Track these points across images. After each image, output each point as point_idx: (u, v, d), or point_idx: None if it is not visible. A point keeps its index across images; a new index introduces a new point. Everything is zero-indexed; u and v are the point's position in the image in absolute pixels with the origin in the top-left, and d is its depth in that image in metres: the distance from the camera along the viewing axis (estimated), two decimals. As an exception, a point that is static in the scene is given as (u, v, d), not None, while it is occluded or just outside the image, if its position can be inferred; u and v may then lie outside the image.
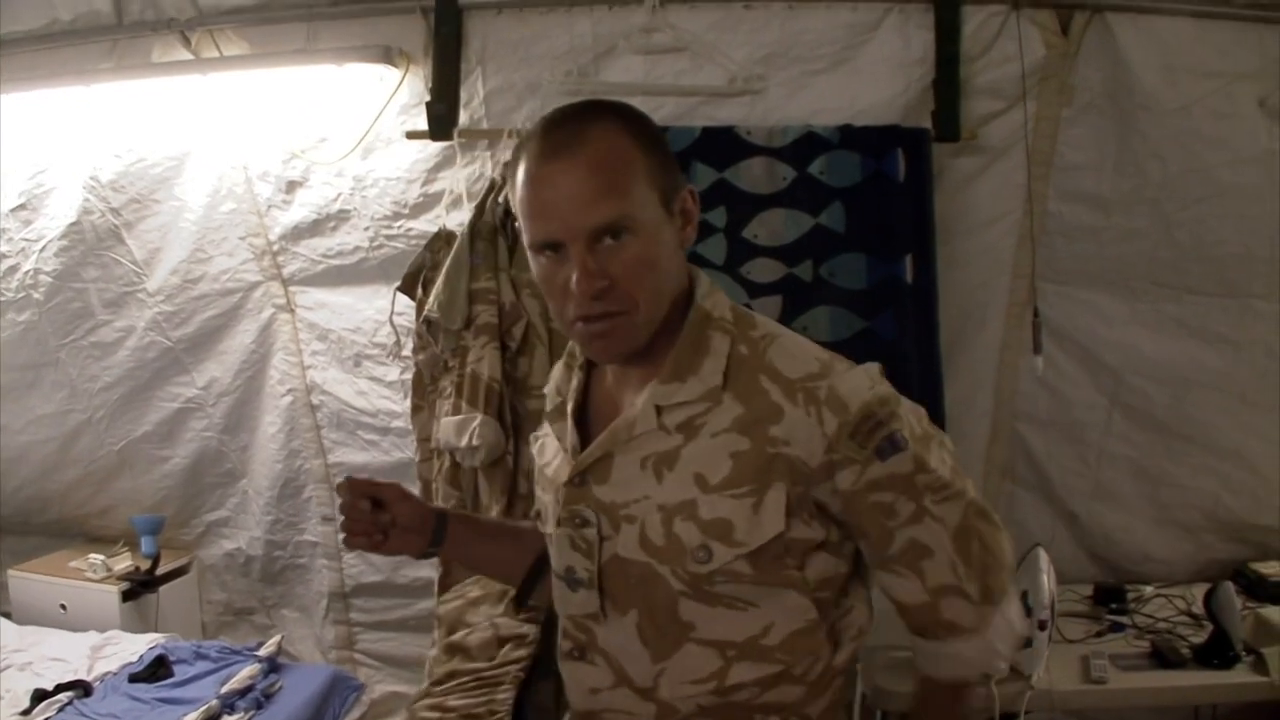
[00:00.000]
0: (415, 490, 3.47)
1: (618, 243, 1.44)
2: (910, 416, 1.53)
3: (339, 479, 3.64)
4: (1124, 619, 3.35)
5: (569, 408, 1.66)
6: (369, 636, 4.17)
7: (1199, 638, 3.17)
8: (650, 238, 1.47)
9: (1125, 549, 3.69)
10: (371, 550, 1.79)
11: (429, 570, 3.57)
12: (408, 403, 3.56)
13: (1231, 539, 3.64)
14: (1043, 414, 3.64)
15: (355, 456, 3.97)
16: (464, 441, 3.02)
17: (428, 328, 3.16)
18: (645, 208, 1.46)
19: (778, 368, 1.51)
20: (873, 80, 3.26)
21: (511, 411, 3.11)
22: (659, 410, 1.52)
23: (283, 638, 3.77)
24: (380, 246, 3.67)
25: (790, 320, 3.12)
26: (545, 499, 1.71)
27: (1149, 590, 3.52)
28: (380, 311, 3.61)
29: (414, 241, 3.53)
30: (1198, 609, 3.28)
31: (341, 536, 1.80)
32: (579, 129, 1.45)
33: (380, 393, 3.86)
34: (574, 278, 1.44)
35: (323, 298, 3.86)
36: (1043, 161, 3.33)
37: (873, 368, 1.54)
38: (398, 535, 1.77)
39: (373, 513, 1.75)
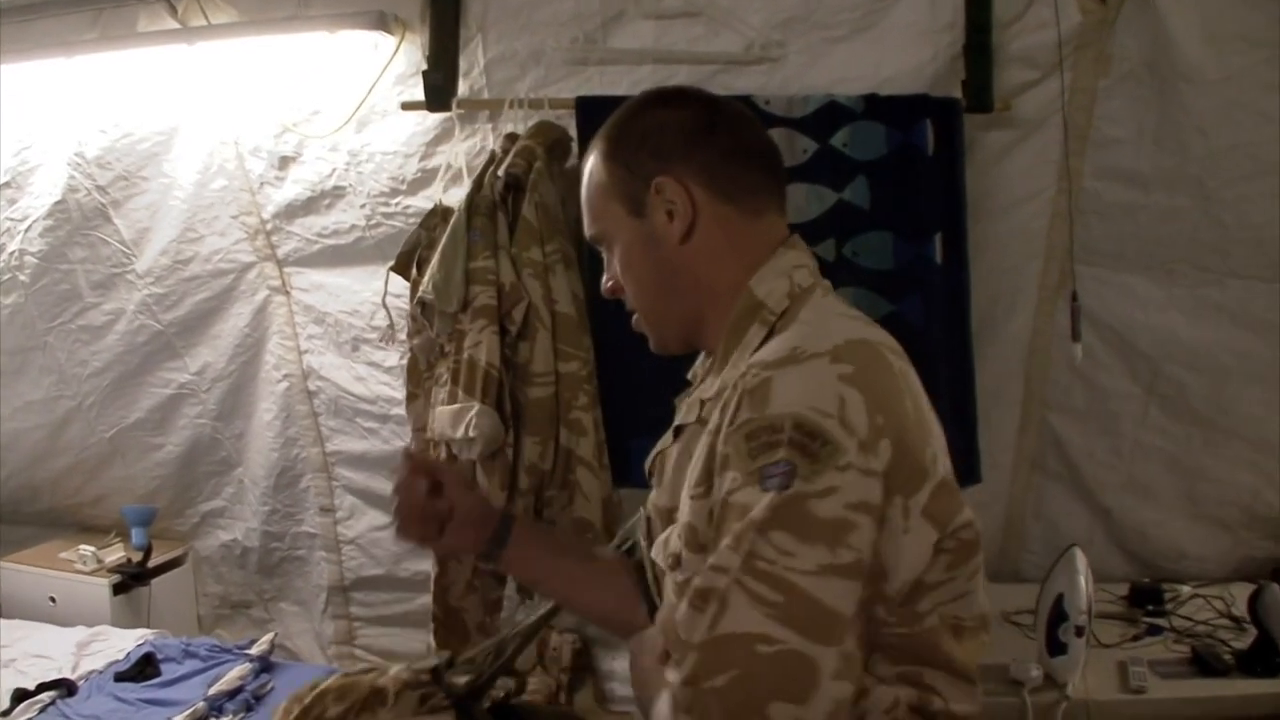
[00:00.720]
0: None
1: (610, 254, 1.50)
2: (850, 487, 1.18)
3: (337, 467, 3.52)
4: (1161, 621, 3.07)
5: (684, 399, 1.55)
6: (370, 632, 3.94)
7: (1241, 643, 2.89)
8: (624, 247, 1.48)
9: (1159, 545, 3.41)
10: (423, 545, 1.66)
11: (430, 564, 3.31)
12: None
13: (1270, 536, 3.35)
14: (1075, 404, 3.36)
15: (354, 445, 3.73)
16: (459, 432, 2.72)
17: (422, 310, 2.86)
18: (610, 221, 1.48)
19: (760, 351, 1.33)
20: (898, 47, 2.96)
21: (511, 400, 2.82)
22: (701, 404, 1.42)
23: (275, 636, 3.50)
24: (377, 225, 3.41)
25: (809, 305, 2.78)
26: None
27: (1186, 590, 3.24)
28: (378, 293, 3.33)
29: (412, 219, 3.28)
30: (1238, 610, 3.03)
31: (393, 523, 1.64)
32: (591, 146, 1.52)
33: (379, 378, 3.62)
34: None
35: (319, 279, 3.61)
36: (1078, 136, 3.03)
37: (880, 405, 1.21)
38: (454, 529, 1.63)
39: (429, 497, 1.61)
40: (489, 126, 3.19)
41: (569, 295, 2.85)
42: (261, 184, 3.49)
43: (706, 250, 1.42)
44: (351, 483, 3.77)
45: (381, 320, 3.37)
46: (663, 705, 1.23)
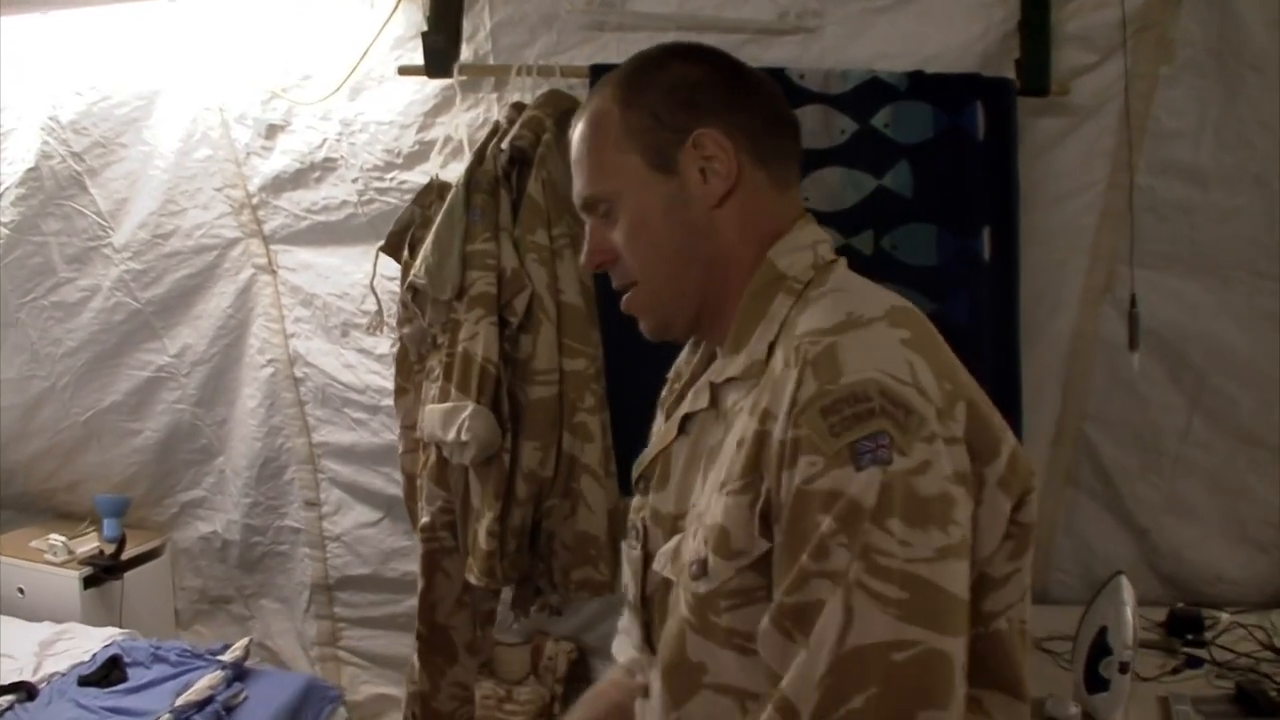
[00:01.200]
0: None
1: (608, 217, 1.29)
2: (942, 458, 1.03)
3: (324, 459, 3.13)
4: (1201, 652, 2.72)
5: (670, 398, 1.39)
6: (354, 633, 3.55)
7: None
8: (639, 206, 1.26)
9: (1196, 568, 3.05)
10: None
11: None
12: None
13: None
14: (1114, 414, 2.98)
15: (342, 436, 3.36)
16: (451, 434, 2.31)
17: (413, 296, 2.45)
18: (623, 176, 1.26)
19: (799, 324, 1.15)
20: (945, 21, 2.58)
21: (510, 400, 2.41)
22: (713, 390, 1.24)
23: (251, 641, 3.10)
24: (370, 201, 3.04)
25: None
26: None
27: (1225, 618, 2.88)
28: (370, 275, 2.97)
29: (407, 196, 2.88)
30: None
31: None
32: (589, 99, 1.33)
33: (369, 367, 3.24)
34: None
35: (307, 258, 3.23)
36: (1135, 127, 2.65)
37: (943, 370, 1.09)
38: None
39: None
40: (494, 96, 2.81)
41: (576, 284, 2.44)
42: (248, 154, 3.13)
43: (738, 217, 1.25)
44: (338, 476, 3.40)
45: (372, 305, 3.01)
46: None
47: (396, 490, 3.08)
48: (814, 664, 1.01)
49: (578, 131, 1.30)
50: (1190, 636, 2.78)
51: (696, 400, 1.25)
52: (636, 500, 1.33)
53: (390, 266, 2.79)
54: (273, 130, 3.06)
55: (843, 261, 1.25)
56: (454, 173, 2.68)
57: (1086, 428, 3.01)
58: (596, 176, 1.27)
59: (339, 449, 3.36)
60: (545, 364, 2.38)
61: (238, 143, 3.11)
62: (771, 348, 1.16)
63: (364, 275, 3.03)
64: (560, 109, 2.51)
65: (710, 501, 1.16)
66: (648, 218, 1.26)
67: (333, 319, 3.23)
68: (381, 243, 2.66)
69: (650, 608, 1.28)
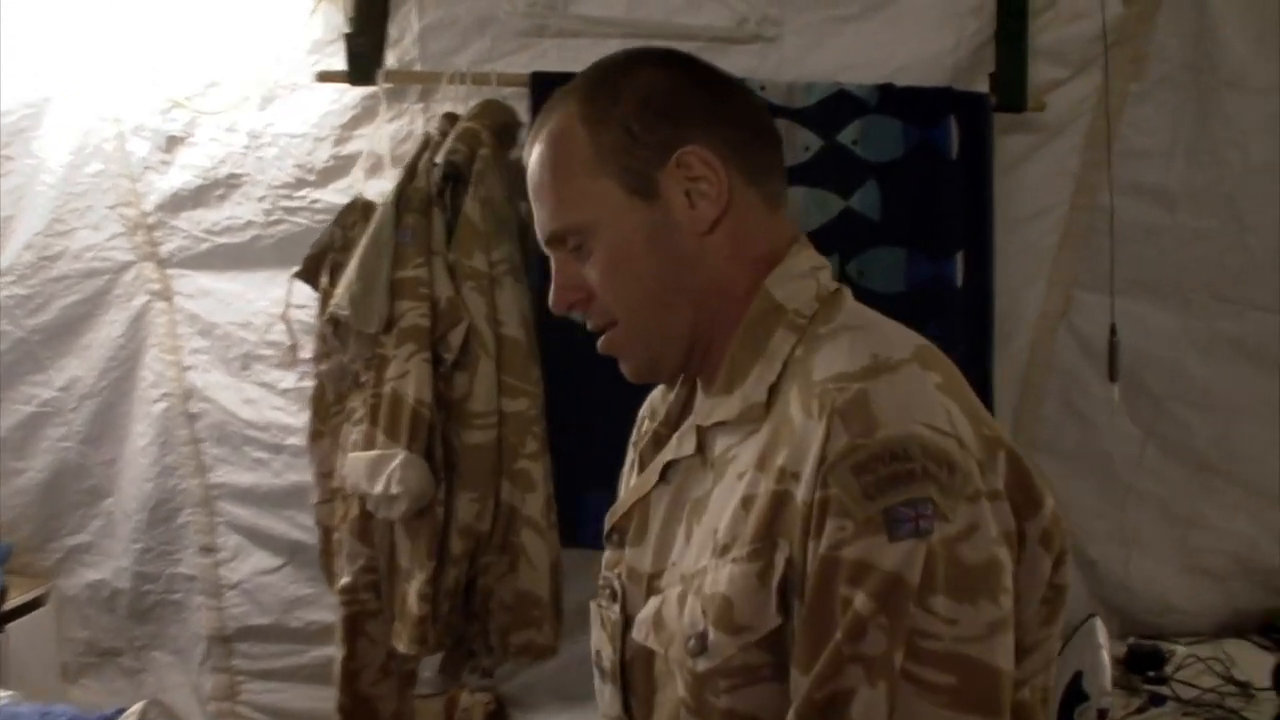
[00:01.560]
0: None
1: (579, 251, 1.08)
2: (988, 518, 0.89)
3: (221, 502, 2.99)
4: (1164, 689, 2.58)
5: (644, 440, 1.20)
6: (255, 686, 3.16)
7: (1255, 713, 2.48)
8: (616, 236, 1.06)
9: (1145, 600, 2.89)
10: None
11: (326, 613, 2.78)
12: (306, 416, 2.62)
13: (1263, 587, 2.86)
14: (1065, 445, 2.79)
15: (241, 477, 2.98)
16: (379, 486, 1.98)
17: (334, 329, 2.08)
18: (596, 204, 1.06)
19: (812, 368, 0.98)
20: (915, 32, 2.39)
21: (444, 446, 2.05)
22: (699, 434, 1.06)
23: (148, 704, 2.65)
24: (278, 221, 2.68)
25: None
26: None
27: (1180, 651, 2.72)
28: (275, 303, 2.68)
29: (320, 217, 2.57)
30: (1240, 674, 2.58)
31: None
32: (544, 116, 1.11)
33: (273, 402, 2.87)
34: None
35: (207, 284, 2.85)
36: (1101, 145, 2.47)
37: (978, 415, 0.94)
38: None
39: None
40: (419, 107, 2.50)
41: (518, 315, 2.12)
42: (144, 169, 2.75)
43: (730, 243, 1.06)
44: (237, 520, 3.03)
45: (278, 335, 2.70)
46: None
47: (300, 535, 2.79)
48: None
49: (536, 155, 1.10)
50: (1151, 673, 2.62)
51: (681, 446, 1.07)
52: (609, 555, 1.14)
53: (304, 293, 2.46)
54: (172, 143, 2.70)
55: (847, 292, 1.08)
56: (375, 190, 2.38)
57: (1037, 458, 2.72)
58: (565, 207, 1.07)
59: (237, 490, 2.99)
60: (483, 405, 2.05)
61: (133, 156, 2.73)
62: (773, 390, 0.99)
63: (269, 303, 2.73)
64: (498, 121, 2.19)
65: (706, 566, 0.98)
66: (628, 250, 1.06)
67: (233, 350, 2.87)
68: (297, 268, 2.30)
69: (630, 675, 1.10)
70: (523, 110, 2.33)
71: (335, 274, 2.14)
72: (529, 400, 2.10)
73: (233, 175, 2.67)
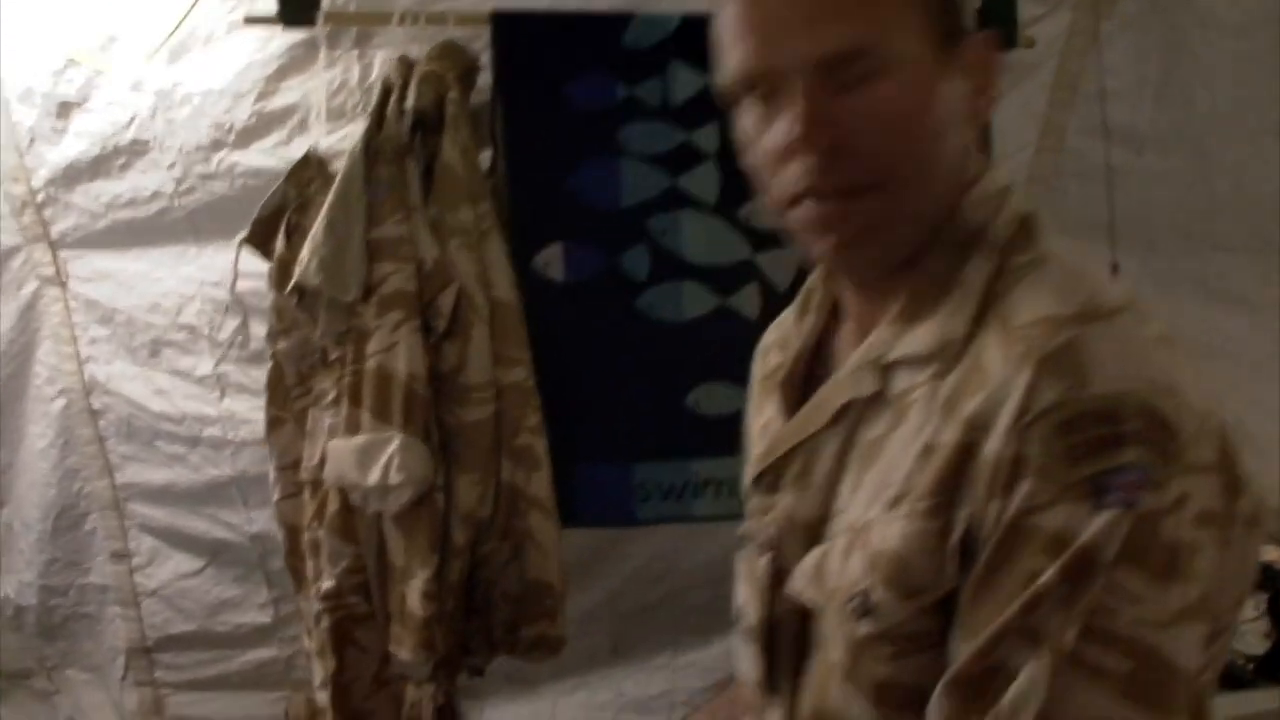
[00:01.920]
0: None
1: (861, 84, 0.84)
2: (1199, 492, 0.76)
3: (131, 503, 2.72)
4: None
5: (782, 373, 1.03)
6: (181, 699, 2.86)
7: (1251, 646, 2.40)
8: (914, 81, 0.85)
9: None
10: None
11: (255, 614, 2.64)
12: (225, 404, 2.42)
13: None
14: None
15: (153, 475, 2.67)
16: (374, 476, 1.73)
17: (299, 300, 1.78)
18: (906, 39, 0.84)
19: (1014, 305, 0.83)
20: None
21: (438, 426, 1.77)
22: (880, 369, 0.90)
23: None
24: (190, 190, 2.37)
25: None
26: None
27: None
28: (187, 282, 2.44)
29: (241, 182, 2.31)
30: None
31: None
32: None
33: (186, 390, 2.57)
34: (791, 127, 0.85)
35: (106, 265, 2.53)
36: (1069, 86, 2.40)
37: (1193, 378, 0.80)
38: None
39: None
40: (355, 53, 2.22)
41: (506, 276, 1.88)
42: (33, 140, 2.42)
43: (963, 141, 0.90)
44: (151, 521, 2.71)
45: (191, 316, 2.44)
46: None
47: (223, 533, 2.55)
48: None
49: None
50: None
51: (859, 384, 0.92)
52: (757, 502, 1.00)
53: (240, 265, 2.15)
54: (66, 108, 2.37)
55: (1042, 215, 0.92)
56: (300, 151, 2.12)
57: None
58: (871, 25, 0.84)
59: (150, 490, 2.69)
60: (480, 377, 1.80)
61: (21, 126, 2.40)
62: (976, 324, 0.85)
63: (179, 281, 2.45)
64: (462, 66, 1.95)
65: (875, 518, 0.87)
66: (925, 99, 0.87)
67: (139, 337, 2.55)
68: (244, 234, 2.01)
69: (777, 637, 0.99)
70: (483, 53, 2.07)
71: (293, 238, 1.85)
72: (524, 370, 1.87)
73: (137, 141, 2.36)
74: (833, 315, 1.03)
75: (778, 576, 0.97)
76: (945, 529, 0.82)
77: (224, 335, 2.44)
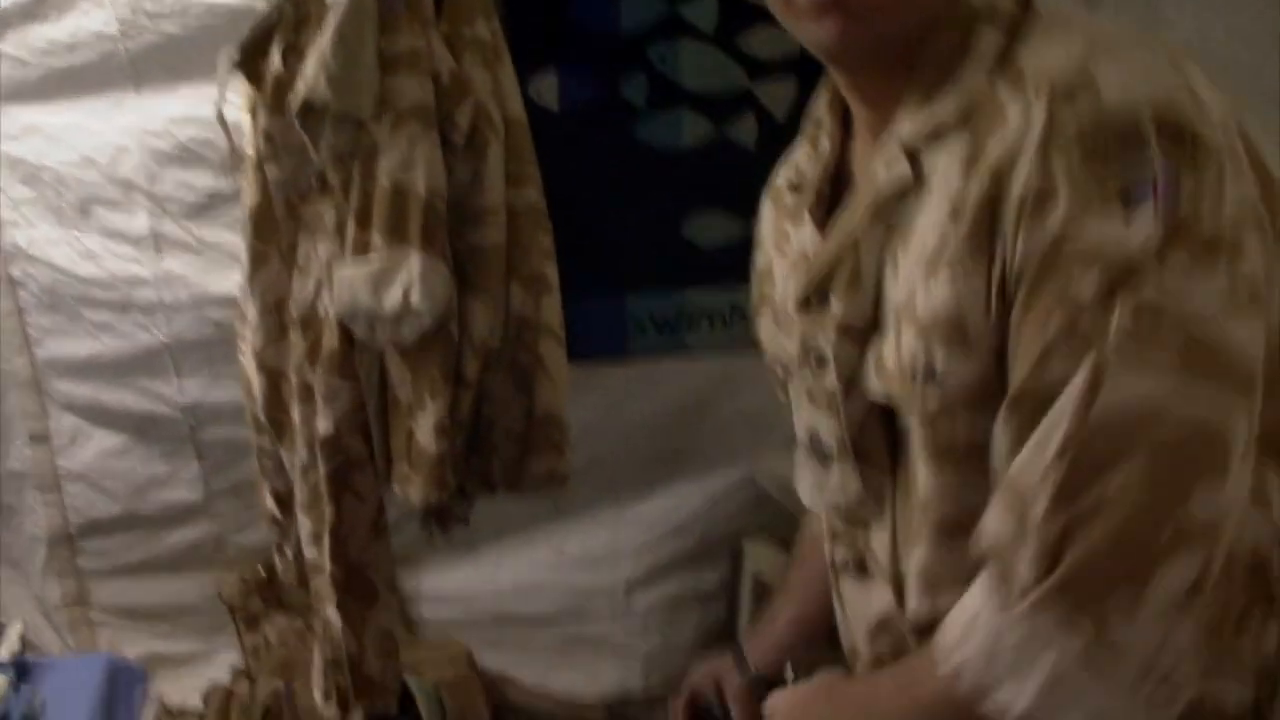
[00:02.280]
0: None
1: None
2: (1233, 184, 0.79)
3: (53, 380, 2.54)
4: None
5: (810, 200, 1.03)
6: (108, 587, 2.70)
7: None
8: None
9: None
10: None
11: (185, 491, 2.51)
12: (162, 264, 2.28)
13: None
14: None
15: (77, 347, 2.48)
16: (390, 302, 1.60)
17: (303, 119, 1.65)
18: None
19: (1023, 60, 0.85)
20: None
21: (451, 251, 1.70)
22: (908, 149, 0.89)
23: (25, 627, 2.19)
24: (141, 32, 2.14)
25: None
26: (786, 346, 1.06)
27: None
28: (124, 132, 2.23)
29: (195, 22, 2.10)
30: None
31: None
32: None
33: (118, 251, 2.38)
34: None
35: (33, 119, 2.29)
36: None
37: (1198, 81, 0.82)
38: None
39: None
40: None
41: (517, 94, 1.78)
42: None
43: None
44: (73, 398, 2.53)
45: (128, 171, 2.26)
46: (990, 584, 0.82)
47: (151, 405, 2.42)
48: (1048, 438, 0.78)
49: None
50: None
51: (890, 169, 0.91)
52: (807, 322, 1.00)
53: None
54: (-1, -54, 2.10)
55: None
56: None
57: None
58: None
59: (74, 364, 2.50)
60: (495, 198, 1.69)
61: (-63, -36, 2.12)
62: (990, 85, 0.86)
63: (117, 132, 2.25)
64: None
65: (917, 288, 0.88)
66: None
67: (68, 195, 2.33)
68: (234, 56, 1.78)
69: (865, 447, 0.98)
70: None
71: (289, 58, 1.71)
72: (536, 190, 1.78)
73: (79, -21, 2.13)
74: (844, 141, 1.04)
75: (847, 387, 0.96)
76: (987, 274, 0.83)
77: (163, 189, 2.26)
